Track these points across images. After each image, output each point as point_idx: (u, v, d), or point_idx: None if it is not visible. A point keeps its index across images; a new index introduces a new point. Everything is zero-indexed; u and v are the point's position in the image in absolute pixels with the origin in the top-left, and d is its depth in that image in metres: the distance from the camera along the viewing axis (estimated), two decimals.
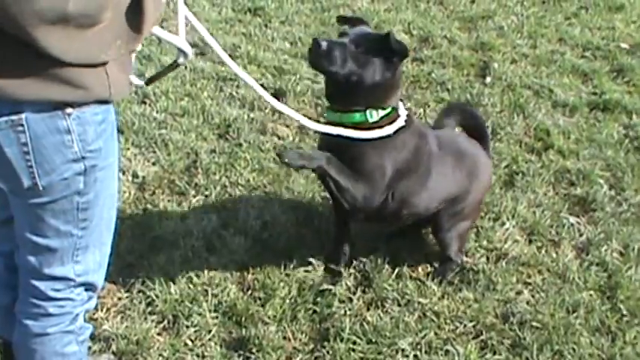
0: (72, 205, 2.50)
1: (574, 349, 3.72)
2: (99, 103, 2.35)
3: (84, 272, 2.70)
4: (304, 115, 3.70)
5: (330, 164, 3.57)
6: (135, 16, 2.28)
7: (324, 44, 3.51)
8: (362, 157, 3.66)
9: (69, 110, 2.28)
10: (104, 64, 2.27)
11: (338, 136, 3.58)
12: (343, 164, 3.61)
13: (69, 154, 2.36)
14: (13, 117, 2.24)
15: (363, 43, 3.57)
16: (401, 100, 3.80)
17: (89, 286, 2.79)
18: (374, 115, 3.63)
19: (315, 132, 3.81)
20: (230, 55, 6.19)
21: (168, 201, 4.60)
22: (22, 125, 2.26)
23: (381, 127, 3.64)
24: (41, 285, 2.68)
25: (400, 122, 3.70)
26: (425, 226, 4.30)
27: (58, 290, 2.69)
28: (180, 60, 2.78)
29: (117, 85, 2.35)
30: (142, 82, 3.00)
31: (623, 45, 7.07)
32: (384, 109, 3.66)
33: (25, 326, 2.77)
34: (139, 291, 3.94)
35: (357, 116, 3.63)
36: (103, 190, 2.55)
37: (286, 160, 3.46)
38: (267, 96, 3.42)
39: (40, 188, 2.39)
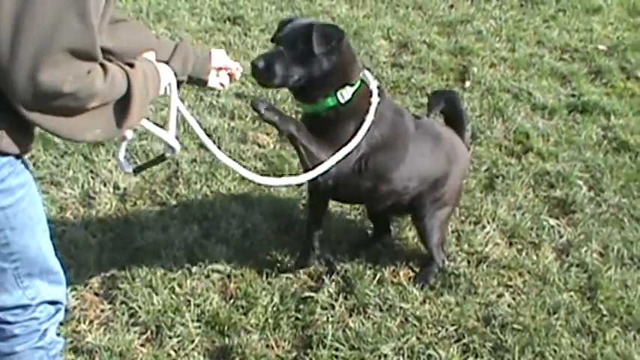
0: None
1: (555, 351, 3.75)
2: None
3: (37, 295, 2.69)
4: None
5: (299, 131, 3.61)
6: (120, 112, 2.39)
7: (260, 64, 3.50)
8: (339, 129, 3.66)
9: None
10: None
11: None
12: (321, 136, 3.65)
13: None
14: None
15: (296, 43, 3.54)
16: (367, 68, 3.79)
17: (52, 302, 2.79)
18: (345, 95, 3.62)
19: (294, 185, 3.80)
20: None
21: (150, 211, 4.60)
22: None
23: (359, 117, 3.63)
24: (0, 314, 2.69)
25: (375, 99, 3.68)
26: (406, 212, 4.25)
27: (17, 315, 2.69)
28: (168, 154, 2.89)
29: (8, 140, 2.34)
30: (130, 170, 3.10)
31: (601, 47, 7.13)
32: (351, 85, 3.65)
33: None
34: (122, 302, 3.94)
35: (330, 101, 3.63)
36: (23, 222, 2.53)
37: (260, 110, 3.49)
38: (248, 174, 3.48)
39: None
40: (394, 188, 3.93)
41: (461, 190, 4.31)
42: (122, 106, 2.39)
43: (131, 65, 2.47)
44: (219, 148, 5.08)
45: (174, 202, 4.67)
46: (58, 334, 2.94)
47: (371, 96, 3.70)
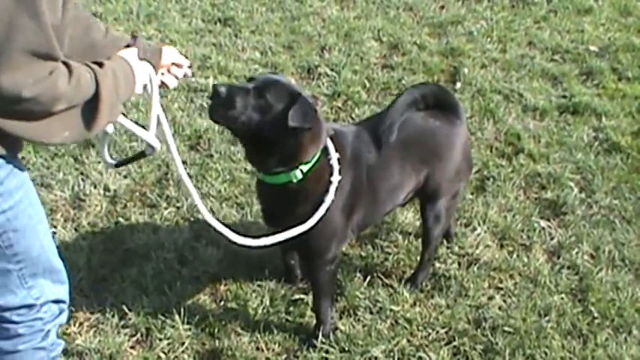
0: None
1: (546, 353, 3.75)
2: None
3: (41, 295, 2.71)
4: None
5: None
6: (89, 114, 2.36)
7: (222, 89, 3.11)
8: (297, 210, 3.42)
9: None
10: None
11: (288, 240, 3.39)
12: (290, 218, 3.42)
13: None
14: None
15: (269, 95, 3.17)
16: (331, 138, 3.46)
17: (56, 301, 2.79)
18: (298, 174, 3.31)
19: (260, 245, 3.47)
20: (200, 66, 6.25)
21: (140, 214, 4.59)
22: None
23: (315, 192, 3.39)
24: (5, 314, 2.70)
25: (335, 177, 3.39)
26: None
27: (22, 315, 2.70)
28: (148, 152, 2.90)
29: None
30: (113, 163, 3.10)
31: (592, 48, 7.12)
32: (305, 163, 3.32)
33: None
34: (112, 304, 3.94)
35: (283, 177, 3.32)
36: (24, 223, 2.53)
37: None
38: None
39: None
40: (387, 213, 3.96)
41: (464, 169, 4.03)
42: (90, 108, 2.35)
43: (100, 65, 2.43)
44: (209, 150, 5.14)
45: (164, 205, 4.66)
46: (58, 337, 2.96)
47: (331, 174, 3.41)
